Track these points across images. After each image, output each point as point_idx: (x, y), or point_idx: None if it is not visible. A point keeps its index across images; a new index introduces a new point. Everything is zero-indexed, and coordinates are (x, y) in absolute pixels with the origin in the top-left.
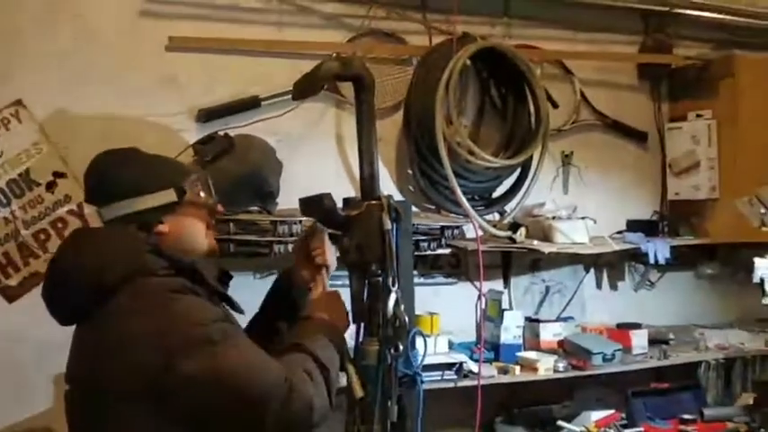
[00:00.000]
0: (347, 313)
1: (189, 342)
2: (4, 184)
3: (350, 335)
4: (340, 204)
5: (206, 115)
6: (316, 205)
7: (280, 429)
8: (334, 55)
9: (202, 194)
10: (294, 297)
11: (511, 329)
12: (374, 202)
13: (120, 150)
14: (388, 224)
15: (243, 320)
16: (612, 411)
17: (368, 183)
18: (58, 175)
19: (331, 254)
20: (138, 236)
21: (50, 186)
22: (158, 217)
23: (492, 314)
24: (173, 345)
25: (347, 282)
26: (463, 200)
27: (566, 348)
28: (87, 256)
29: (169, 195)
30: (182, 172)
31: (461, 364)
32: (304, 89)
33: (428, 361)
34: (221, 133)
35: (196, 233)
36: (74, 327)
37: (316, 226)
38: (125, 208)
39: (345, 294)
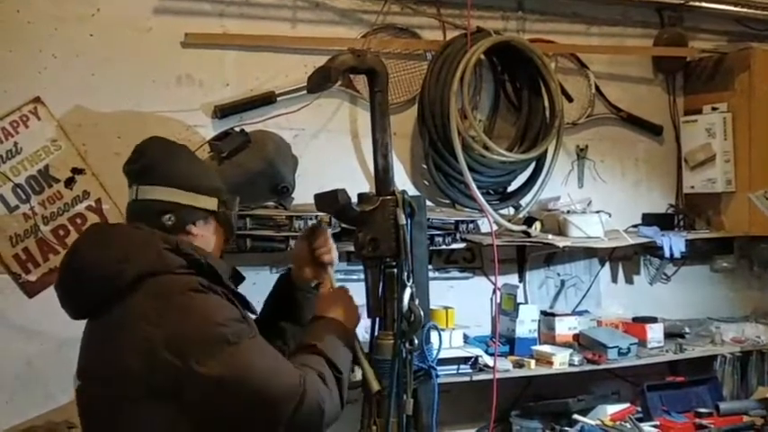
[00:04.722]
0: (357, 309)
1: (207, 342)
2: (23, 181)
3: (364, 328)
4: (354, 199)
5: (222, 111)
6: (330, 201)
7: (292, 430)
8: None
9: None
10: (298, 298)
11: (526, 323)
12: (388, 197)
13: (176, 143)
14: (402, 219)
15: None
16: (628, 405)
17: (382, 176)
18: (76, 171)
19: (335, 250)
20: (156, 234)
21: (69, 182)
22: (194, 218)
23: (507, 308)
24: (191, 345)
25: (362, 276)
26: (478, 194)
27: (581, 342)
28: (105, 252)
29: (213, 203)
30: (225, 188)
31: (477, 357)
32: (319, 82)
33: (443, 355)
34: (237, 129)
35: (216, 248)
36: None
37: (319, 224)
38: (170, 195)
39: (358, 289)
